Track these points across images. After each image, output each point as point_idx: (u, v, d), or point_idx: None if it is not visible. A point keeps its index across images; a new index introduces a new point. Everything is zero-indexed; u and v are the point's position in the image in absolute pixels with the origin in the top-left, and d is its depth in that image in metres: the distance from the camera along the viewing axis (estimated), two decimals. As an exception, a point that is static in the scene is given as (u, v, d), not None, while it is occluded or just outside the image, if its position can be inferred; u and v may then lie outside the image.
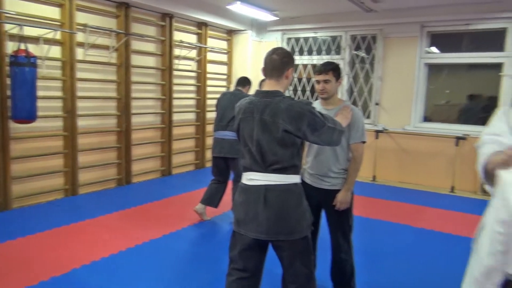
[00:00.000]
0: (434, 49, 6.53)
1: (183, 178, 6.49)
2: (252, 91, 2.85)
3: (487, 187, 1.46)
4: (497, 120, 1.59)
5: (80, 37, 5.03)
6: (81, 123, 5.13)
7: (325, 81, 2.56)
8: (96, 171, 5.46)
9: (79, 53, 5.05)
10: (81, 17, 5.02)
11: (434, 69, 6.57)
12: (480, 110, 6.40)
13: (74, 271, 3.07)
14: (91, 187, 5.36)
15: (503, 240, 1.20)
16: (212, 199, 4.34)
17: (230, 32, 7.65)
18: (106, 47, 5.39)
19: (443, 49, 6.49)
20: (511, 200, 1.17)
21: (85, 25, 5.04)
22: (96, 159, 5.44)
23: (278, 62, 2.07)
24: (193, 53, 6.86)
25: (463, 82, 6.79)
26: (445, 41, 6.44)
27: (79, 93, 5.06)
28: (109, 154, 5.65)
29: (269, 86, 2.10)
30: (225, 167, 4.30)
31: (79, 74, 5.03)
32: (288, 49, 7.51)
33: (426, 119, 6.60)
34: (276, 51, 2.11)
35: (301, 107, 1.98)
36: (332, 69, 2.57)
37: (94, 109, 5.37)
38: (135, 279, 3.01)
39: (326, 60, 2.72)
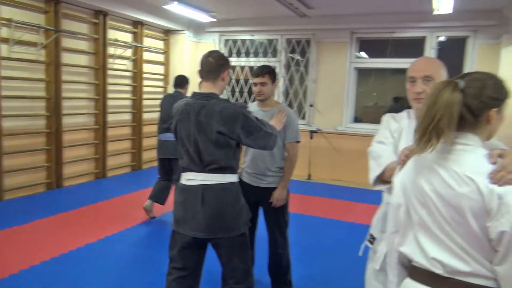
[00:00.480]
0: (363, 54, 6.95)
1: (118, 181, 6.31)
2: (191, 90, 2.88)
3: (380, 187, 1.65)
4: (382, 127, 1.80)
5: (4, 32, 4.72)
6: (6, 124, 4.81)
7: (262, 84, 2.69)
8: (24, 175, 5.14)
9: (4, 49, 4.74)
10: (5, 11, 4.71)
11: (363, 73, 6.99)
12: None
13: (1, 281, 2.90)
14: (18, 192, 5.04)
15: (393, 221, 1.37)
16: (159, 195, 4.41)
17: (167, 32, 7.56)
18: (34, 44, 5.10)
19: (371, 54, 6.94)
20: (396, 185, 1.32)
21: (9, 20, 4.74)
22: (23, 162, 5.12)
23: (214, 65, 2.13)
24: (128, 52, 6.69)
25: (388, 86, 7.31)
26: (372, 47, 6.90)
27: (4, 92, 4.74)
28: (38, 157, 5.34)
29: (206, 88, 2.15)
30: (170, 168, 4.39)
31: (3, 72, 4.72)
32: (226, 50, 7.59)
33: (357, 119, 7.01)
34: (212, 54, 2.17)
35: (235, 110, 2.04)
36: (268, 72, 2.70)
37: (20, 109, 5.05)
38: (70, 287, 2.91)
39: (263, 62, 2.84)
